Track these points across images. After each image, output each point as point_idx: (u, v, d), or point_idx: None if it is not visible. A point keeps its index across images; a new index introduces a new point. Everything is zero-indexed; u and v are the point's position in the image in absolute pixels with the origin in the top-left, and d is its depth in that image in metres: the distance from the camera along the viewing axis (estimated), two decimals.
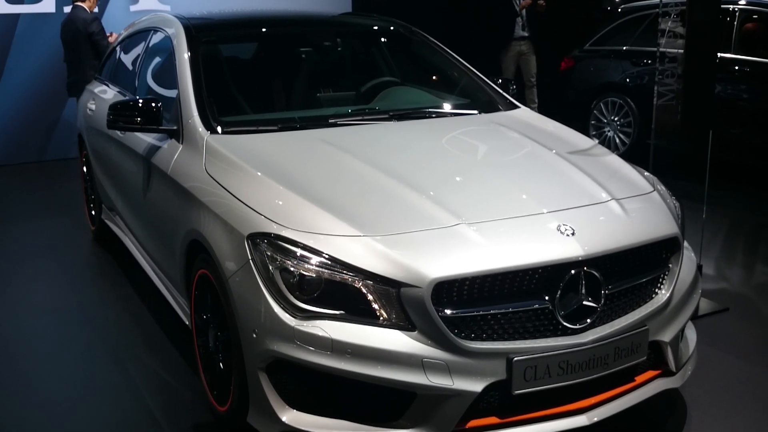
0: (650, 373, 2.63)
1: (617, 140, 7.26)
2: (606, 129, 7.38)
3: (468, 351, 2.29)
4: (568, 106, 7.77)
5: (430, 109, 3.62)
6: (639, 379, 2.59)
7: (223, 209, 2.68)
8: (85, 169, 5.24)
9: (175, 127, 3.31)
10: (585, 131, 7.43)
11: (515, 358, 2.30)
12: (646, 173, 3.10)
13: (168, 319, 3.73)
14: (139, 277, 4.20)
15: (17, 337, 3.73)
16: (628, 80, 7.12)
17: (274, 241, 2.42)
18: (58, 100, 7.84)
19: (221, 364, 2.75)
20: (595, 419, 2.42)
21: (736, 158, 6.44)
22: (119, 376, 3.31)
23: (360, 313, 2.33)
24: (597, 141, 3.42)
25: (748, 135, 6.23)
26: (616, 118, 7.27)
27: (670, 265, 2.66)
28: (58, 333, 3.77)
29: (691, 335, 2.93)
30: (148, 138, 3.57)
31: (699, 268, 3.95)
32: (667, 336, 2.60)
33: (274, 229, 2.45)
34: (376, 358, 2.27)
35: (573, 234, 2.45)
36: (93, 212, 5.15)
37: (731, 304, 3.95)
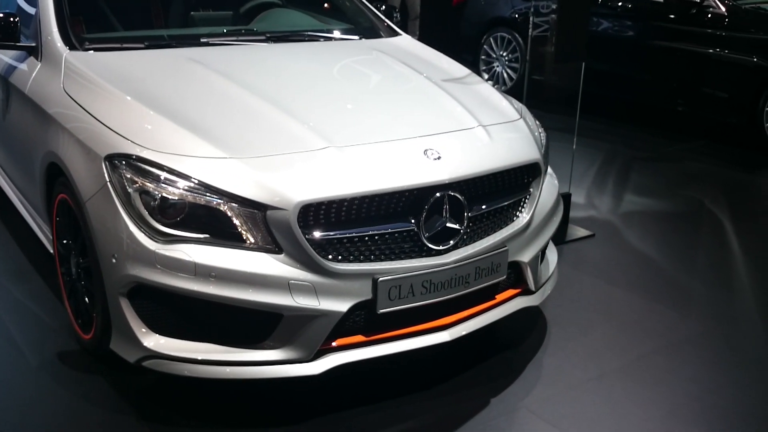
0: (510, 292, 2.76)
1: (505, 75, 7.39)
2: (495, 64, 7.49)
3: (334, 272, 2.32)
4: (460, 40, 7.81)
5: (309, 33, 3.55)
6: (499, 297, 2.71)
7: (81, 130, 2.56)
8: None
9: (33, 44, 3.15)
10: (476, 66, 7.52)
11: (380, 279, 2.35)
12: (515, 102, 3.18)
13: (34, 247, 3.58)
14: (4, 204, 3.98)
15: None
16: (516, 16, 7.21)
17: (134, 162, 2.34)
18: None
19: (84, 292, 2.67)
20: (457, 335, 2.53)
21: (611, 92, 6.71)
22: None
23: (225, 237, 2.30)
24: (471, 71, 3.46)
25: (621, 69, 6.49)
26: (504, 54, 7.38)
27: (531, 190, 2.76)
28: None
29: (552, 257, 3.09)
30: (5, 57, 3.37)
31: (568, 196, 4.16)
32: (526, 257, 2.73)
33: (134, 150, 2.36)
34: (241, 281, 2.27)
35: (439, 158, 2.49)
36: None
37: (597, 230, 4.18)
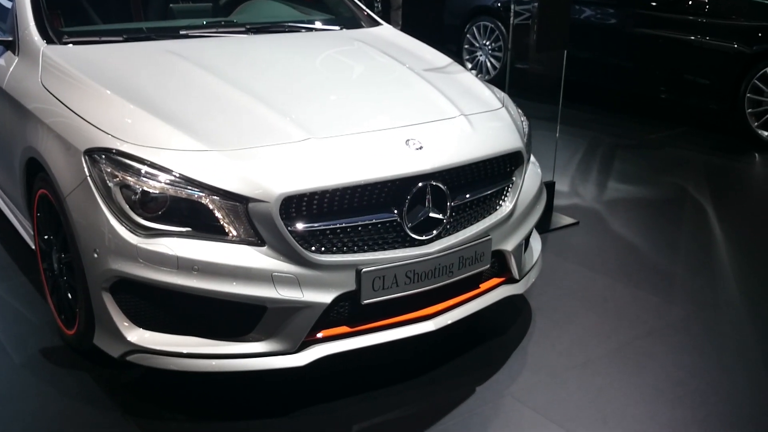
0: (494, 281, 2.77)
1: (489, 64, 7.39)
2: (478, 53, 7.49)
3: (317, 264, 2.31)
4: (443, 30, 7.81)
5: (289, 24, 3.53)
6: (483, 286, 2.72)
7: (60, 125, 2.54)
8: None
9: (10, 38, 3.12)
10: (459, 55, 7.52)
11: (364, 269, 2.35)
12: (497, 91, 3.18)
13: (15, 243, 3.54)
14: None
15: None
16: (498, 4, 7.21)
17: (115, 156, 2.32)
18: None
19: (67, 287, 2.66)
20: (442, 325, 2.54)
21: (594, 80, 6.73)
22: None
23: (208, 230, 2.29)
24: (453, 61, 3.46)
25: (604, 57, 6.51)
26: (487, 43, 7.38)
27: (514, 179, 2.77)
28: None
29: (536, 245, 3.10)
30: None
31: (552, 185, 4.18)
32: (509, 245, 2.73)
33: (114, 144, 2.34)
34: (224, 274, 2.26)
35: (421, 148, 2.49)
36: None
37: (581, 218, 4.20)
